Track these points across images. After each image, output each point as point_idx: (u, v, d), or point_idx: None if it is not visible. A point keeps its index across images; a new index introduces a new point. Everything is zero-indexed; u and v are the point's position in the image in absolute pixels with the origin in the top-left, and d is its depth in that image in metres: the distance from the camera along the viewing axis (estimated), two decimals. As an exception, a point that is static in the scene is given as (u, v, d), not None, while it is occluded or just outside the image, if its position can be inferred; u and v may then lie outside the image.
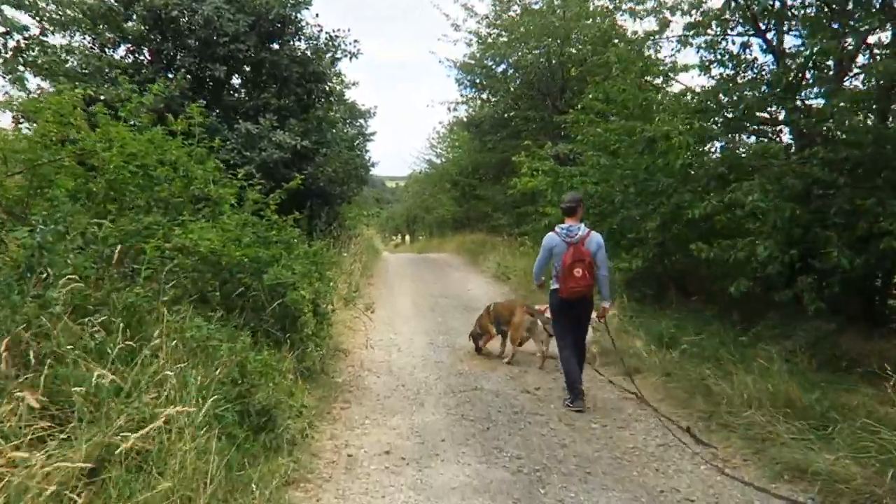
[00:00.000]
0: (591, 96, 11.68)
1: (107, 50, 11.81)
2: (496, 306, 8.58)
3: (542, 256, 6.33)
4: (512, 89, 19.62)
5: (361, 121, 31.77)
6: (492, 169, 22.24)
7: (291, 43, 12.83)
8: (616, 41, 17.12)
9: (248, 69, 12.59)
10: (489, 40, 18.95)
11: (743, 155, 7.50)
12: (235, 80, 12.94)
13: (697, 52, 10.12)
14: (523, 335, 8.06)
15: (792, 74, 8.12)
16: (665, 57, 11.29)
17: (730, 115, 8.65)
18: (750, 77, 8.88)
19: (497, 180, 21.68)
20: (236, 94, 12.72)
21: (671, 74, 10.96)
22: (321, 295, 7.36)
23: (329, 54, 13.54)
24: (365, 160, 33.21)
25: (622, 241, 10.65)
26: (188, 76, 11.99)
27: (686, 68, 10.57)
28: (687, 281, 10.80)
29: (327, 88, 14.14)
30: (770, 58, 9.04)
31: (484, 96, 21.36)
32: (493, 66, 19.77)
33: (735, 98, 8.63)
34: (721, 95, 8.73)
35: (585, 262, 5.92)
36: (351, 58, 13.66)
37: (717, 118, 8.58)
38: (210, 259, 5.56)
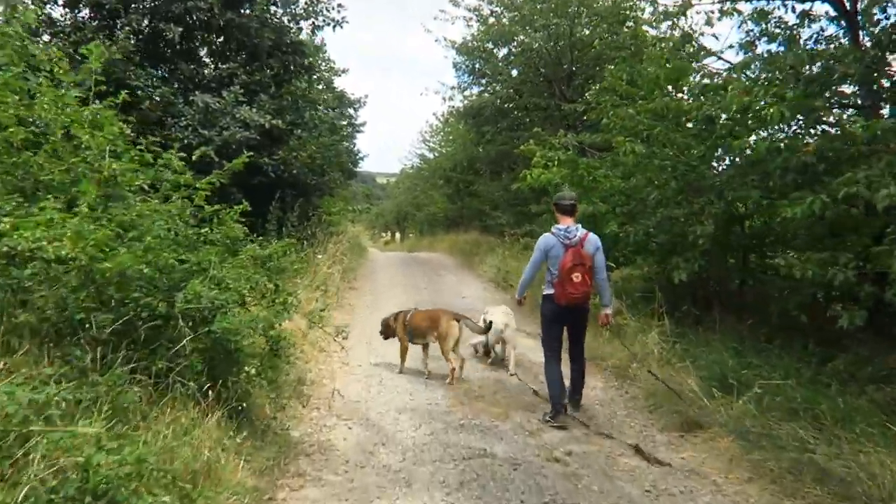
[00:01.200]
0: (611, 77, 9.63)
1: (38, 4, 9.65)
2: (413, 317, 7.23)
3: (535, 259, 5.68)
4: (515, 75, 17.52)
5: (351, 110, 29.74)
6: (490, 163, 20.17)
7: (263, 6, 10.71)
8: (630, 22, 15.16)
9: (210, 33, 10.45)
10: (491, 19, 16.87)
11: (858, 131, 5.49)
12: (197, 47, 10.77)
13: (740, 26, 8.21)
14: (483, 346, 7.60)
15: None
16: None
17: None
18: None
19: (496, 175, 19.64)
20: (195, 63, 10.57)
21: (698, 58, 8.95)
22: (274, 316, 5.30)
23: (309, 21, 11.44)
24: (352, 150, 31.29)
25: (651, 246, 8.67)
26: (135, 37, 9.87)
27: (710, 54, 8.65)
28: (731, 297, 8.86)
29: (307, 62, 12.01)
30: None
31: (483, 82, 19.28)
32: (495, 50, 17.70)
33: (815, 70, 6.67)
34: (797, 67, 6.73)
35: (586, 266, 5.39)
36: (335, 26, 11.58)
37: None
38: (83, 269, 3.48)
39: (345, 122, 29.62)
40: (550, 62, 16.25)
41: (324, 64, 29.45)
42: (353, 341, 8.79)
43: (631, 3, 15.23)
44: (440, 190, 32.30)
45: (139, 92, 9.40)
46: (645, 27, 13.38)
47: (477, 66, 18.82)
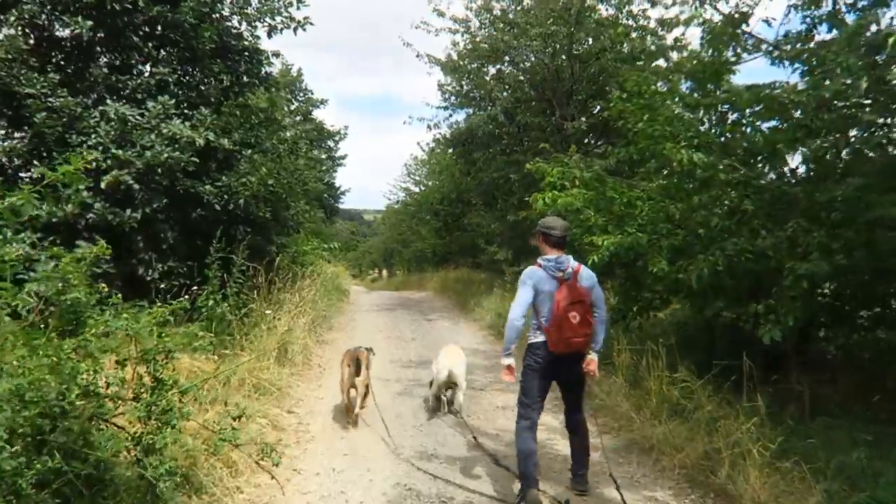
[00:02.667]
0: (636, 80, 7.38)
1: None
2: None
3: (524, 298, 4.36)
4: (506, 95, 15.33)
5: (330, 142, 27.63)
6: (482, 193, 17.86)
7: (203, 1, 8.43)
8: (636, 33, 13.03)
9: (133, 31, 8.13)
10: (481, 32, 14.75)
11: None
12: (116, 48, 8.41)
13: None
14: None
15: None
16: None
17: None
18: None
19: (490, 206, 17.29)
20: (114, 68, 8.22)
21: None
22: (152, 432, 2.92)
23: (264, 21, 9.16)
24: (332, 184, 29.03)
25: (725, 286, 6.33)
26: (28, 31, 7.56)
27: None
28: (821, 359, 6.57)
29: (264, 72, 9.71)
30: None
31: (473, 105, 17.07)
32: (485, 67, 15.55)
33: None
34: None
35: (585, 304, 4.34)
36: (296, 28, 9.30)
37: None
38: None
39: (324, 156, 27.51)
40: (549, 77, 14.08)
41: (301, 94, 27.43)
42: (319, 425, 6.36)
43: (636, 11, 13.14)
44: (427, 225, 30.04)
45: (31, 101, 7.07)
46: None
47: (465, 85, 16.65)
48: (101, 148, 7.16)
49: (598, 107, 13.52)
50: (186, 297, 7.13)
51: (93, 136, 7.26)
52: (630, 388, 6.74)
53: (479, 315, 14.01)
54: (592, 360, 4.53)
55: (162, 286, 7.60)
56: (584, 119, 13.17)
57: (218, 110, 8.76)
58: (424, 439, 6.07)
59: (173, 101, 7.83)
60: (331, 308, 14.33)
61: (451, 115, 17.49)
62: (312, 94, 26.88)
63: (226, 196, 8.17)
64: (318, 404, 7.16)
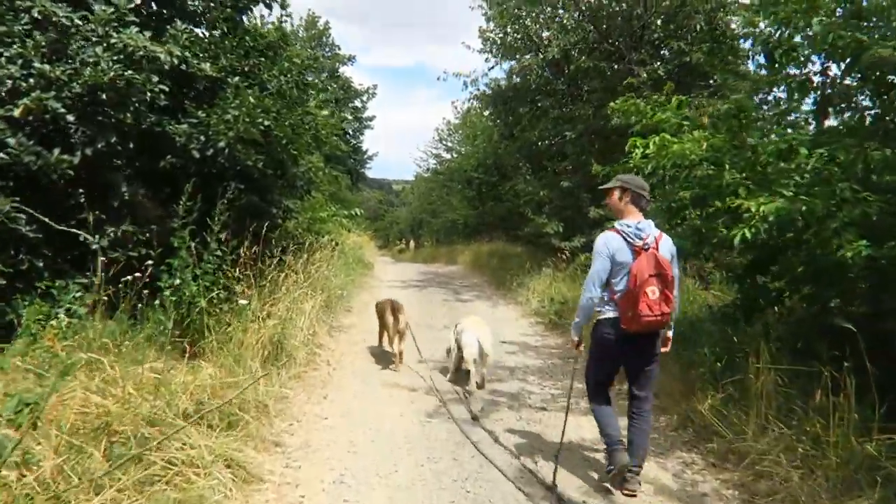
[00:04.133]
0: None
1: None
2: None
3: (599, 269, 3.76)
4: (563, 36, 12.73)
5: (357, 102, 25.33)
6: (527, 156, 15.38)
7: None
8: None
9: None
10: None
11: None
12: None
13: None
14: None
15: None
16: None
17: None
18: None
19: (537, 171, 14.79)
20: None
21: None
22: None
23: None
24: (359, 148, 26.78)
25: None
26: None
27: None
28: None
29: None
30: None
31: (514, 63, 14.58)
32: (538, 8, 12.99)
33: None
34: None
35: (666, 278, 3.64)
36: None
37: None
38: None
39: (350, 116, 25.23)
40: (615, 15, 11.51)
41: (328, 49, 25.09)
42: (316, 470, 4.19)
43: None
44: (459, 194, 27.70)
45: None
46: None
47: (510, 33, 14.14)
48: (20, 62, 4.98)
49: (677, 48, 10.96)
50: (138, 274, 5.13)
51: (15, 46, 5.08)
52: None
53: (523, 297, 11.73)
54: (668, 336, 4.01)
55: (115, 256, 5.44)
56: (658, 64, 10.64)
57: (204, 25, 6.51)
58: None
59: (132, 6, 5.60)
60: (351, 284, 12.16)
61: (491, 69, 15.10)
62: (339, 49, 24.53)
63: (202, 138, 5.93)
64: (321, 431, 4.97)
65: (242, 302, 5.43)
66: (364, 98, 25.50)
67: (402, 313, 6.90)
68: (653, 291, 3.61)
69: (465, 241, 26.97)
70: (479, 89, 16.67)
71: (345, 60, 24.81)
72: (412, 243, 43.98)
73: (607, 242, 3.78)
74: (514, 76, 14.42)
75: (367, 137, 27.67)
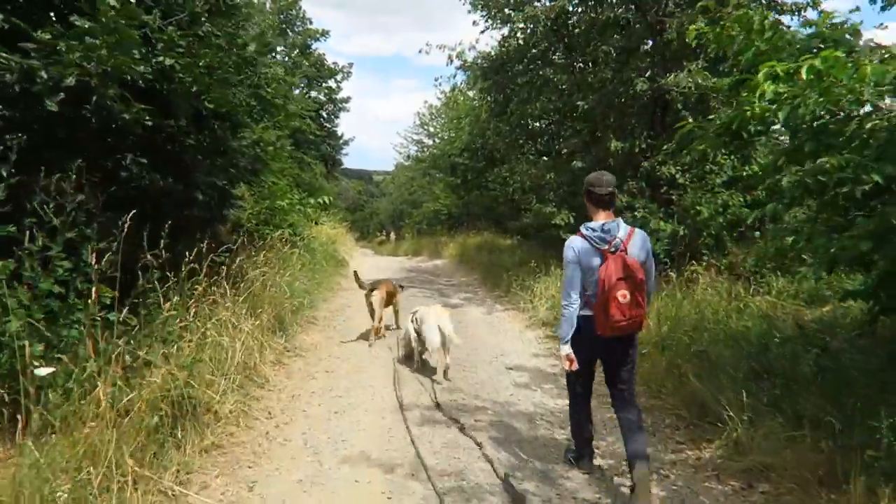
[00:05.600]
0: None
1: None
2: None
3: (570, 278, 3.63)
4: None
5: (332, 82, 22.97)
6: (527, 134, 13.12)
7: None
8: None
9: None
10: None
11: None
12: None
13: None
14: None
15: None
16: None
17: None
18: None
19: (543, 153, 12.49)
20: None
21: None
22: None
23: None
24: (334, 132, 24.44)
25: None
26: None
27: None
28: None
29: None
30: None
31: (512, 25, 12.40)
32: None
33: None
34: None
35: (636, 280, 3.49)
36: None
37: None
38: None
39: (323, 97, 22.90)
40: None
41: (298, 24, 22.64)
42: None
43: None
44: (442, 182, 25.49)
45: None
46: None
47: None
48: None
49: None
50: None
51: None
52: None
53: (526, 302, 9.56)
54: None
55: None
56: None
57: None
58: None
59: None
60: (319, 288, 9.92)
61: (483, 32, 12.91)
62: (311, 23, 22.09)
63: (52, 75, 3.65)
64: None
65: (41, 372, 3.12)
66: (339, 78, 23.11)
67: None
68: (623, 295, 3.48)
69: (448, 232, 24.84)
70: (465, 62, 14.54)
71: (317, 36, 22.39)
72: (393, 235, 41.89)
73: (572, 247, 3.64)
74: (513, 38, 12.18)
75: (343, 121, 25.24)
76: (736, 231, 8.28)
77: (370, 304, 7.37)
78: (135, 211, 3.90)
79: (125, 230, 3.84)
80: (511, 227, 19.14)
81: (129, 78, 3.93)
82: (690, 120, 4.65)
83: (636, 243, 3.60)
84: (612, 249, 3.50)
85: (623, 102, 8.89)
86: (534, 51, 11.03)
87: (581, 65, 11.30)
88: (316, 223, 11.64)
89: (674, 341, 5.52)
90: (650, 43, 9.06)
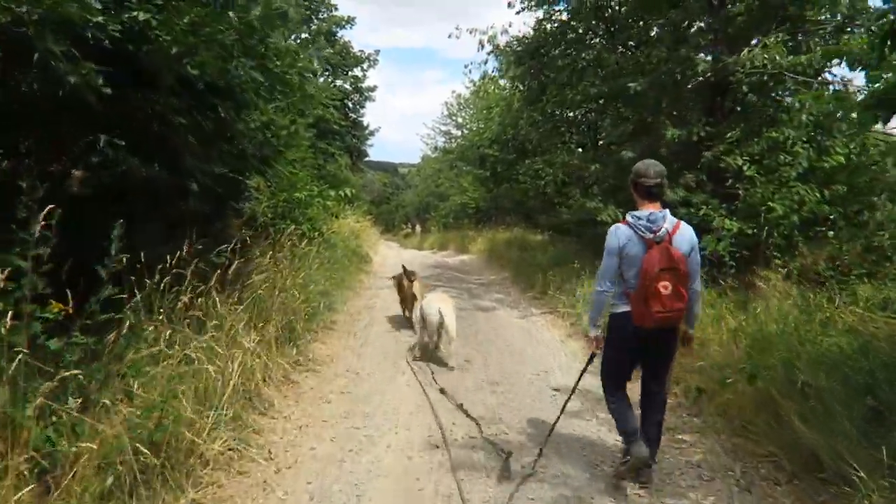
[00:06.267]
0: None
1: None
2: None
3: (608, 267, 3.54)
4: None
5: (357, 70, 22.08)
6: (568, 123, 12.06)
7: None
8: None
9: None
10: None
11: None
12: None
13: None
14: None
15: None
16: None
17: None
18: None
19: (581, 144, 11.39)
20: None
21: None
22: None
23: None
24: (359, 122, 23.57)
25: None
26: None
27: None
28: None
29: None
30: None
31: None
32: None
33: None
34: None
35: (679, 272, 3.37)
36: None
37: None
38: None
39: (348, 85, 22.05)
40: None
41: (324, 10, 21.75)
42: None
43: None
44: (470, 174, 24.50)
45: None
46: None
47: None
48: None
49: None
50: None
51: None
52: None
53: (565, 306, 8.57)
54: (691, 334, 3.77)
55: None
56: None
57: None
58: None
59: None
60: (338, 288, 9.04)
61: (518, 13, 11.94)
62: (337, 9, 21.19)
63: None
64: None
65: None
66: (365, 66, 22.19)
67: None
68: (665, 287, 3.34)
69: (476, 226, 23.86)
70: (497, 46, 13.54)
71: (343, 23, 21.48)
72: (418, 228, 41.12)
73: (615, 234, 3.51)
74: (549, 21, 11.19)
75: (368, 112, 24.42)
76: (812, 230, 7.19)
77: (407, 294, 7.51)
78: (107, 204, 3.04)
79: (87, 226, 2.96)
80: (542, 222, 18.12)
81: (89, 35, 3.04)
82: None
83: (683, 236, 3.50)
84: (657, 239, 3.41)
85: (679, 85, 7.81)
86: (570, 35, 9.99)
87: (623, 48, 10.24)
88: (337, 217, 10.75)
89: (763, 367, 4.49)
90: (708, 19, 7.96)
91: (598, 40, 10.84)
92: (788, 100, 7.34)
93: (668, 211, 3.51)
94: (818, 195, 6.85)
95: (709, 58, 7.51)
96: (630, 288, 3.49)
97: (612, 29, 9.80)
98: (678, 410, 4.94)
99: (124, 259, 3.45)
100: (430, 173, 35.38)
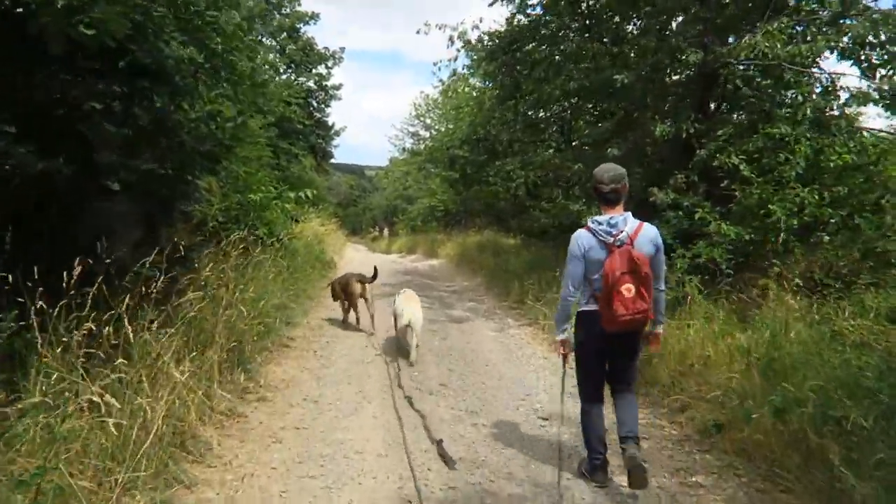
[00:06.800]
0: None
1: None
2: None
3: (572, 273, 3.59)
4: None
5: (322, 67, 21.21)
6: (545, 122, 11.40)
7: None
8: None
9: None
10: None
11: None
12: None
13: None
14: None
15: None
16: None
17: None
18: None
19: (560, 142, 10.68)
20: None
21: None
22: None
23: None
24: (324, 121, 22.65)
25: None
26: None
27: None
28: None
29: None
30: None
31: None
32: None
33: None
34: None
35: (641, 274, 3.39)
36: None
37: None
38: None
39: (312, 83, 21.15)
40: None
41: (286, 4, 20.81)
42: None
43: None
44: (439, 176, 23.80)
45: None
46: None
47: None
48: None
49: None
50: None
51: None
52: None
53: (545, 319, 7.89)
54: (657, 333, 3.80)
55: None
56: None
57: None
58: None
59: None
60: (298, 299, 8.23)
61: (493, 4, 11.25)
62: (300, 4, 20.27)
63: None
64: None
65: None
66: (329, 63, 21.30)
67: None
68: (628, 289, 3.38)
69: (445, 229, 23.17)
70: (469, 41, 12.86)
71: (306, 19, 20.57)
72: (386, 231, 40.32)
73: (578, 241, 3.56)
74: (523, 13, 10.56)
75: (334, 110, 23.51)
76: (814, 235, 6.63)
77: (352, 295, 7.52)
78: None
79: None
80: (514, 225, 17.53)
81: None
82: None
83: (645, 237, 3.52)
84: (618, 243, 3.45)
85: (668, 76, 7.22)
86: (544, 31, 9.38)
87: (599, 44, 9.63)
88: (297, 220, 9.90)
89: (787, 397, 3.84)
90: (697, 5, 7.37)
91: (574, 35, 10.23)
92: (790, 94, 6.78)
93: (629, 214, 3.54)
94: (817, 197, 6.30)
95: (699, 52, 6.90)
96: (597, 290, 3.52)
97: (589, 24, 9.17)
98: (686, 445, 4.27)
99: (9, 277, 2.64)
100: (398, 176, 34.57)
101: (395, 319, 6.55)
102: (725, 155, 6.77)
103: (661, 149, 7.42)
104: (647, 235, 3.53)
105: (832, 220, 6.47)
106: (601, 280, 3.44)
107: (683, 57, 6.88)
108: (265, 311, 6.00)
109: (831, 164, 6.33)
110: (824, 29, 7.07)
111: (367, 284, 7.49)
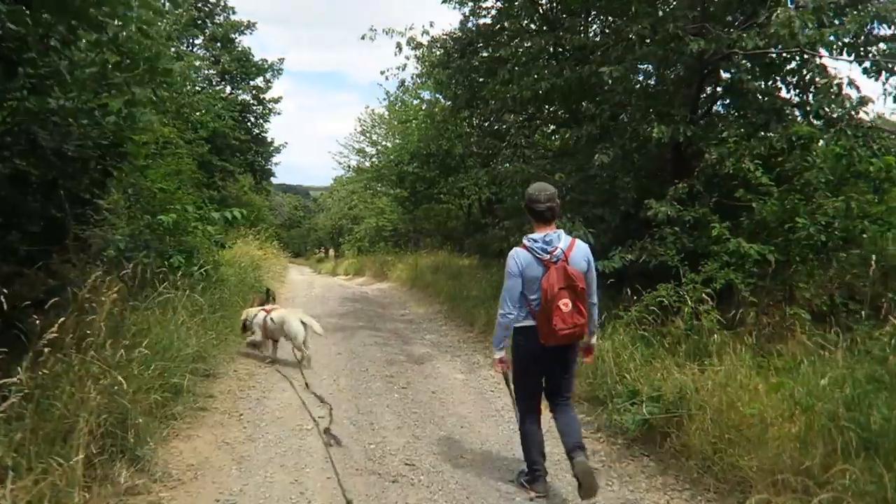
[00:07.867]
0: None
1: None
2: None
3: (511, 289, 3.58)
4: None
5: (259, 80, 19.65)
6: (511, 127, 10.22)
7: None
8: None
9: None
10: None
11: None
12: None
13: None
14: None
15: None
16: None
17: None
18: None
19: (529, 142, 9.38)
20: None
21: None
22: None
23: None
24: (262, 137, 20.98)
25: None
26: None
27: None
28: None
29: None
30: None
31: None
32: None
33: None
34: None
35: (577, 290, 3.51)
36: None
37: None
38: None
39: (249, 97, 19.55)
40: None
41: (220, 13, 19.16)
42: None
43: None
44: (387, 195, 22.44)
45: None
46: None
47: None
48: None
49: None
50: None
51: None
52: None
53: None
54: (591, 344, 3.93)
55: None
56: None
57: None
58: None
59: None
60: (223, 342, 6.67)
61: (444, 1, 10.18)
62: (234, 13, 18.70)
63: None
64: None
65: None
66: (268, 76, 19.73)
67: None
68: (566, 304, 3.49)
69: (395, 250, 21.74)
70: (420, 44, 11.68)
71: (241, 28, 19.01)
72: (332, 251, 38.63)
73: (515, 259, 3.59)
74: (478, 14, 9.46)
75: (273, 126, 21.89)
76: (830, 252, 5.56)
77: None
78: None
79: None
80: (468, 246, 16.34)
81: None
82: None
83: (578, 254, 3.61)
84: (554, 259, 3.50)
85: (665, 65, 6.11)
86: (502, 36, 8.29)
87: (560, 49, 8.54)
88: (223, 246, 8.33)
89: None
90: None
91: (532, 37, 9.12)
92: (812, 89, 5.72)
93: (562, 231, 3.63)
94: (854, 206, 5.24)
95: (700, 41, 5.80)
96: (535, 306, 3.53)
97: (548, 27, 8.06)
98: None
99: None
100: (343, 195, 32.95)
101: (294, 337, 6.57)
102: (733, 160, 5.67)
103: (654, 155, 6.28)
104: (581, 251, 3.62)
105: (864, 235, 5.43)
106: (539, 296, 3.47)
107: (686, 46, 5.73)
108: (169, 369, 4.46)
109: (871, 168, 5.25)
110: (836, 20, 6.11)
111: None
